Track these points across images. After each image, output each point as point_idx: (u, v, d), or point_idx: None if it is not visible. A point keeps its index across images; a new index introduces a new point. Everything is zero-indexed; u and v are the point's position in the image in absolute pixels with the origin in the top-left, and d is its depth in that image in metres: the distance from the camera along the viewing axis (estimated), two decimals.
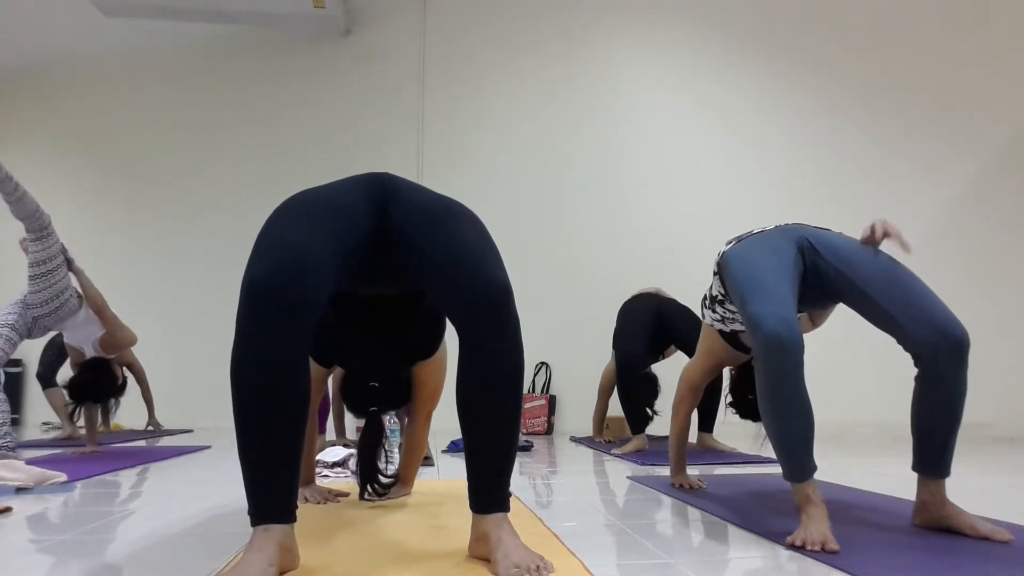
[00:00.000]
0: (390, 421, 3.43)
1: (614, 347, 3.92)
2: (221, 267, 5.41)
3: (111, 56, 5.82)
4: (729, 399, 2.37)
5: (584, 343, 4.92)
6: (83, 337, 3.40)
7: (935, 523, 1.59)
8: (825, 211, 5.11)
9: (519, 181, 5.36)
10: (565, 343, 5.04)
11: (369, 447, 1.86)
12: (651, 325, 3.82)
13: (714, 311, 2.08)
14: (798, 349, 1.49)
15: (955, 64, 5.19)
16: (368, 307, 1.73)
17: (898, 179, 5.15)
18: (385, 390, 1.80)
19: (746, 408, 2.29)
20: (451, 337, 1.46)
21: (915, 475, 1.64)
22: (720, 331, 2.15)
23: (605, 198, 5.30)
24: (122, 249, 5.60)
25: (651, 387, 3.88)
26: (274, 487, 1.23)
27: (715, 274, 1.97)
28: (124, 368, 3.65)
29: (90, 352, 3.44)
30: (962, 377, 1.54)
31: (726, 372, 2.45)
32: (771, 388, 1.51)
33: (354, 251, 1.39)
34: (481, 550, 1.33)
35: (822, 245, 1.73)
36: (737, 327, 2.09)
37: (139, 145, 5.75)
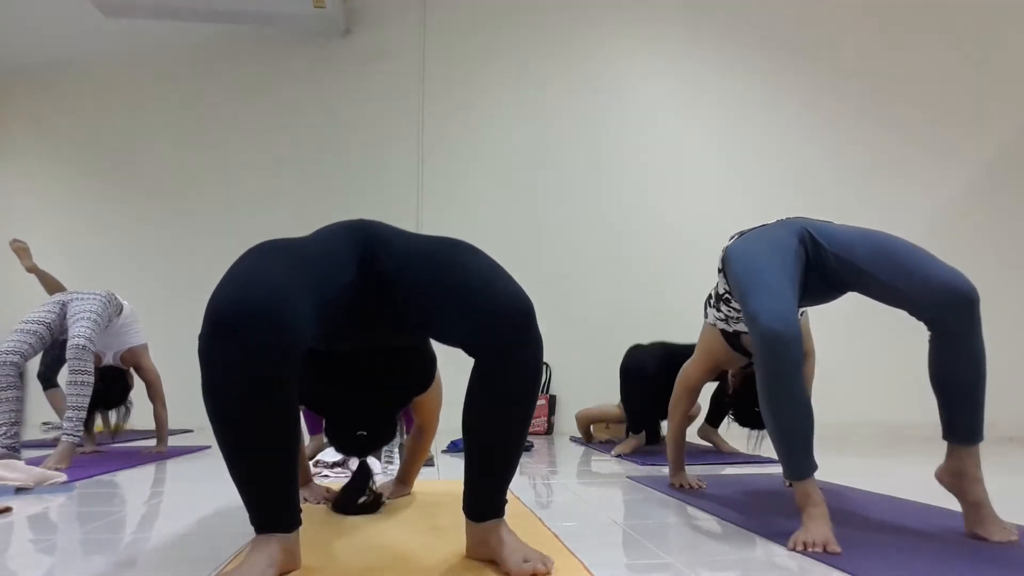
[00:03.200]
0: None
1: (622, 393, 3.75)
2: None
3: (111, 56, 5.82)
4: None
5: (584, 343, 4.92)
6: (108, 344, 3.39)
7: (959, 495, 1.57)
8: (826, 206, 5.12)
9: (519, 180, 5.35)
10: (565, 343, 5.03)
11: (354, 491, 1.86)
12: (658, 367, 3.46)
13: (719, 310, 2.04)
14: (795, 345, 1.47)
15: (958, 57, 5.19)
16: (355, 363, 1.62)
17: (902, 168, 5.15)
18: (374, 437, 1.71)
19: (748, 417, 2.26)
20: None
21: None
22: (723, 331, 2.11)
23: (606, 197, 5.30)
24: (121, 248, 5.60)
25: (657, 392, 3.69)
26: (274, 503, 1.22)
27: (720, 271, 1.94)
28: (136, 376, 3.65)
29: (108, 360, 3.45)
30: (977, 333, 1.50)
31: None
32: (768, 384, 1.51)
33: (337, 300, 1.29)
34: (482, 553, 1.33)
35: (822, 235, 1.72)
36: (741, 328, 2.05)
37: (139, 145, 5.74)
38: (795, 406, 1.50)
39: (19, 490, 2.24)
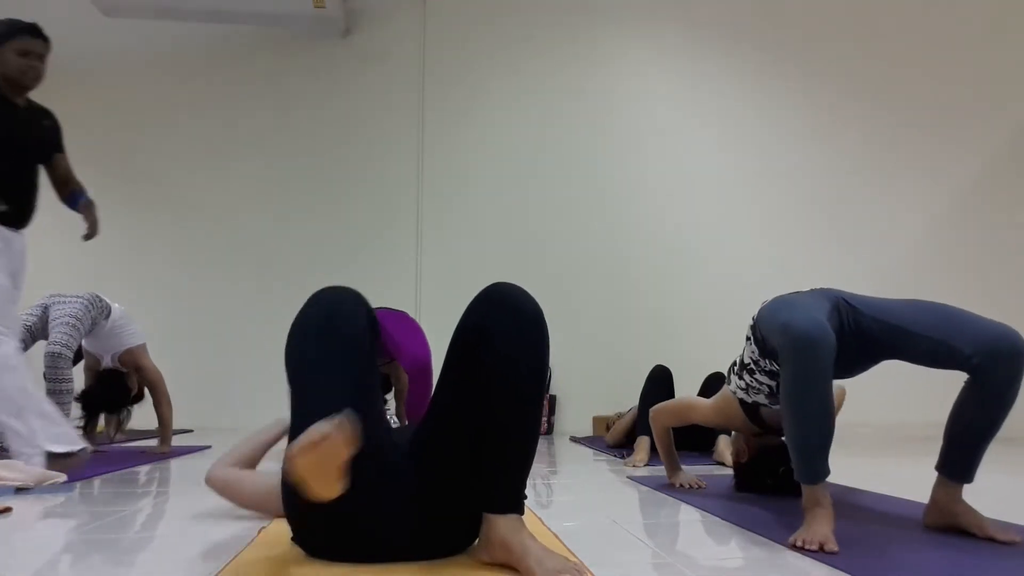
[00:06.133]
0: (390, 420, 3.44)
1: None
2: (221, 266, 5.42)
3: (111, 56, 5.82)
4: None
5: (584, 343, 4.92)
6: (104, 347, 3.38)
7: (946, 522, 1.58)
8: (827, 205, 5.13)
9: (519, 181, 5.36)
10: (565, 343, 5.02)
11: None
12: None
13: (741, 378, 2.01)
14: (827, 350, 1.46)
15: (959, 62, 5.19)
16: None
17: (902, 177, 5.15)
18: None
19: (748, 488, 2.21)
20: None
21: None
22: (741, 400, 2.08)
23: (606, 198, 5.30)
24: (121, 249, 5.58)
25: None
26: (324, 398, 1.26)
27: (748, 339, 1.91)
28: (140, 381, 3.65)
29: (107, 362, 3.43)
30: (1016, 387, 1.51)
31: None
32: (797, 388, 1.49)
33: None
34: (500, 555, 1.23)
35: (859, 303, 1.73)
36: (761, 399, 2.01)
37: (139, 144, 5.74)
38: (820, 414, 1.48)
39: (19, 490, 2.24)
